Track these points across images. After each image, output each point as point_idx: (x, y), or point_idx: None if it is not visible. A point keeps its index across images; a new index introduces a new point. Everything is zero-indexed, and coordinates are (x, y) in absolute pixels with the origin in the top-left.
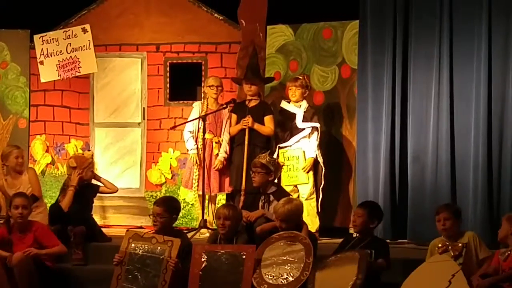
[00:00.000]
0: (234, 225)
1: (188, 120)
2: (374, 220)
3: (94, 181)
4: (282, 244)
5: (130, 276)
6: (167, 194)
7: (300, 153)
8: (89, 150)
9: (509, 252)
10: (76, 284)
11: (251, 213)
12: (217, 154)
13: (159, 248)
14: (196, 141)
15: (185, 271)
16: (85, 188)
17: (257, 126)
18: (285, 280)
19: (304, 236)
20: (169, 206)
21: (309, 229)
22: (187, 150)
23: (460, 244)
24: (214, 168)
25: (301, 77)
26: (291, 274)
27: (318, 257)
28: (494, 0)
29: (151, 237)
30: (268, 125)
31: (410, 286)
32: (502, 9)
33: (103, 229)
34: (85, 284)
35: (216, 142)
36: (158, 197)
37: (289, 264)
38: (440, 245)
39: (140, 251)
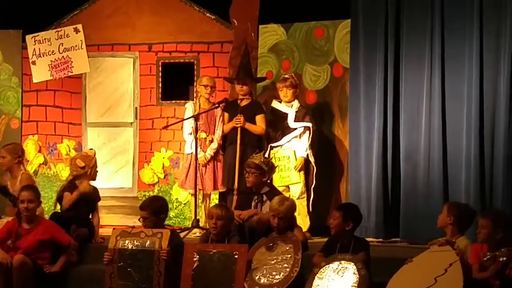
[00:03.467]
0: (226, 225)
1: (180, 120)
2: (349, 222)
3: None
4: (271, 245)
5: (123, 273)
6: (159, 194)
7: (290, 153)
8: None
9: (499, 259)
10: (70, 285)
11: (243, 211)
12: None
13: (148, 241)
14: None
15: (178, 270)
16: (91, 191)
17: (248, 125)
18: (276, 280)
19: (293, 234)
20: (152, 208)
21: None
22: (188, 152)
23: (454, 240)
24: (199, 163)
25: (289, 76)
26: (281, 273)
27: (310, 255)
28: None
29: (139, 231)
30: (259, 124)
31: (408, 272)
32: (493, 8)
33: None
34: (79, 284)
35: (210, 141)
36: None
37: (279, 263)
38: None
39: (130, 246)
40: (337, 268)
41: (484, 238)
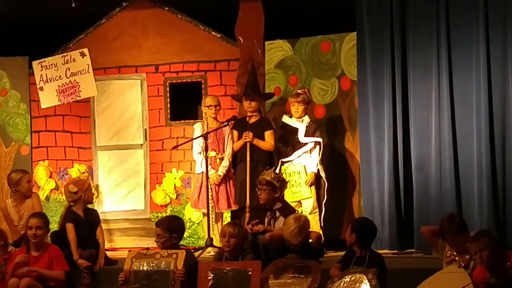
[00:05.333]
0: (239, 243)
1: (189, 139)
2: (353, 234)
3: None
4: (289, 265)
5: None
6: (173, 214)
7: (301, 168)
8: (82, 173)
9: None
10: None
11: (259, 225)
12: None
13: (164, 262)
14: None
15: None
16: (90, 212)
17: (256, 141)
18: None
19: (311, 260)
20: (167, 226)
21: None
22: (198, 171)
23: (467, 257)
24: (210, 183)
25: (302, 92)
26: (300, 286)
27: (324, 270)
28: (491, 6)
29: (154, 253)
30: (268, 140)
31: None
32: (499, 15)
33: (109, 252)
34: None
35: (220, 159)
36: None
37: (296, 279)
38: (448, 254)
39: (145, 268)
40: (349, 281)
41: (483, 260)
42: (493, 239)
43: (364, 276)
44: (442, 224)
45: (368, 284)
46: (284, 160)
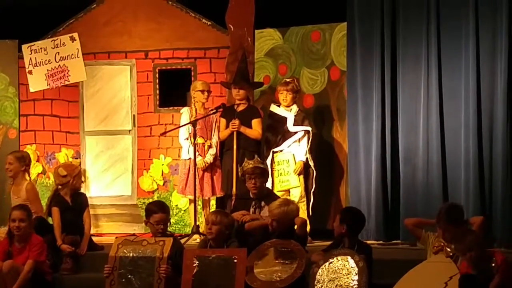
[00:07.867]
0: (223, 231)
1: (177, 126)
2: (343, 225)
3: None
4: (273, 250)
5: (123, 280)
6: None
7: (290, 156)
8: (76, 158)
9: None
10: None
11: (248, 214)
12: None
13: (150, 248)
14: (194, 148)
15: (178, 276)
16: (78, 197)
17: (243, 129)
18: (278, 278)
19: (295, 242)
20: (168, 211)
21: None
22: (185, 157)
23: (453, 247)
24: (198, 168)
25: (291, 81)
26: (285, 271)
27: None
28: None
29: (141, 240)
30: (255, 129)
31: (407, 283)
32: (489, 7)
33: (95, 238)
34: None
35: (208, 146)
36: None
37: (281, 265)
38: (436, 245)
39: (131, 254)
40: (335, 264)
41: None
42: (480, 240)
43: (350, 258)
44: (440, 211)
45: (355, 266)
46: (275, 150)
